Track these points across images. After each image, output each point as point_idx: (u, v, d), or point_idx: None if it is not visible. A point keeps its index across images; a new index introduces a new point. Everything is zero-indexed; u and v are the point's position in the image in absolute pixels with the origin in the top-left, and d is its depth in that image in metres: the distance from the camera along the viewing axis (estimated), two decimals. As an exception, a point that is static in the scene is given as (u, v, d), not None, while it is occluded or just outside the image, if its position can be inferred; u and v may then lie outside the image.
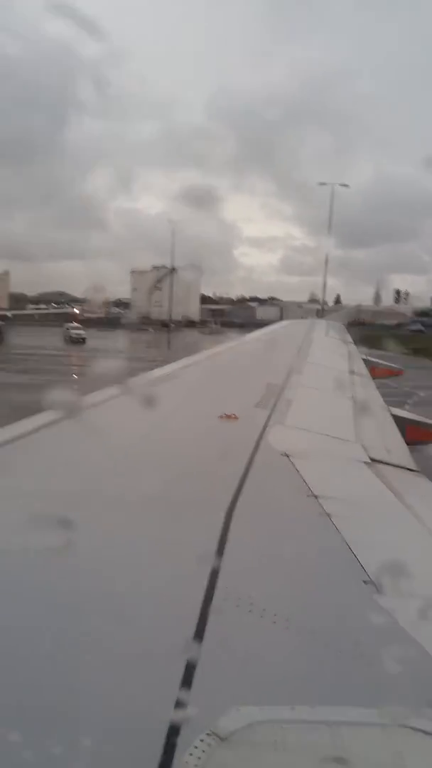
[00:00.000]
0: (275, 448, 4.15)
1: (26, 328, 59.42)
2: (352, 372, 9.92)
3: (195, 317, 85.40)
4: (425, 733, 1.49)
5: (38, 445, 3.91)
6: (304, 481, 3.44)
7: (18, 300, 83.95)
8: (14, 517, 2.54)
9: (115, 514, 2.80)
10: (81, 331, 50.98)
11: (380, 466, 4.37)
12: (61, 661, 1.70)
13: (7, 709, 1.48)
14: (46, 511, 2.56)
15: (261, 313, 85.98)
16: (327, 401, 6.99)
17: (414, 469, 4.74)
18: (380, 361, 13.84)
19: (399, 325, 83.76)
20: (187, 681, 1.59)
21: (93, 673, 1.65)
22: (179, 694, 1.53)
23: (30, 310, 76.89)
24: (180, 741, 1.38)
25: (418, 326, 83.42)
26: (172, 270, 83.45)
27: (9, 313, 63.32)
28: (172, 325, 71.25)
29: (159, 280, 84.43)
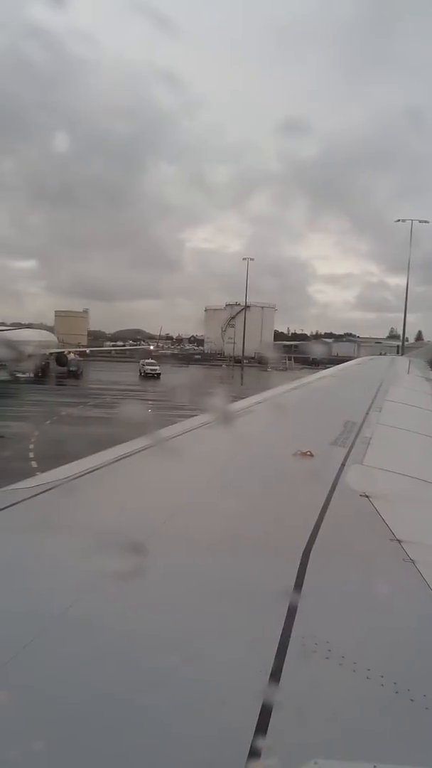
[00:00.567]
0: (354, 488, 3.99)
1: (103, 364, 62.21)
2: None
3: (268, 353, 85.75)
4: None
5: (111, 478, 4.00)
6: (386, 524, 3.27)
7: (97, 337, 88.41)
8: (86, 550, 2.58)
9: (189, 550, 2.78)
10: (156, 367, 52.54)
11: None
12: (134, 703, 1.67)
13: (86, 751, 1.47)
14: (119, 545, 2.58)
15: (336, 349, 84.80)
16: (409, 441, 6.67)
17: None
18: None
19: None
20: (262, 729, 1.52)
21: (167, 716, 1.60)
22: (254, 743, 1.46)
23: (107, 346, 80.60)
24: None
25: None
26: (246, 307, 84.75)
27: (87, 350, 66.66)
28: (245, 361, 71.89)
29: (232, 317, 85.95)
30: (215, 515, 3.39)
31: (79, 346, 67.29)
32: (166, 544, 2.74)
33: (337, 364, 20.41)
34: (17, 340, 48.63)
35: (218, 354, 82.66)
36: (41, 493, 3.44)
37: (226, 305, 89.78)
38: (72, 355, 54.32)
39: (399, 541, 3.01)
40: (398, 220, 60.61)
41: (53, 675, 1.77)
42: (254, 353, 79.84)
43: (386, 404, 8.68)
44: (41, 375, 48.87)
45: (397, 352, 40.46)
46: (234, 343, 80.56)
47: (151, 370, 51.38)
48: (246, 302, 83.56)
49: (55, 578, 2.41)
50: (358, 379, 14.01)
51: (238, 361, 74.42)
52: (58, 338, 64.60)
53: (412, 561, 2.76)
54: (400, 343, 57.57)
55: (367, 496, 3.76)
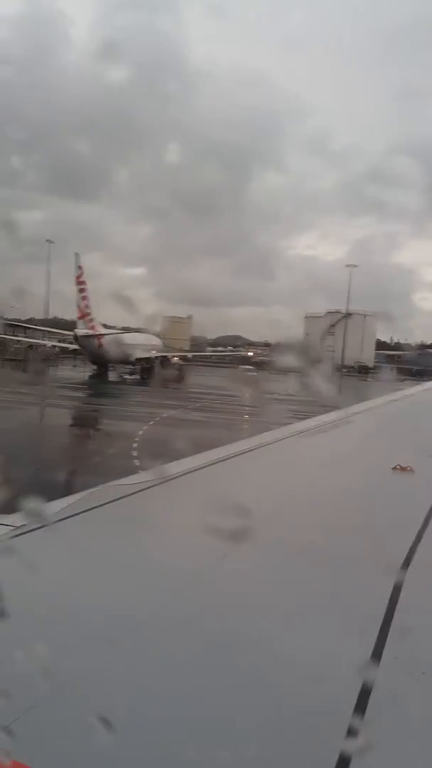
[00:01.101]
0: None
1: (203, 369, 63.52)
2: None
3: (369, 363, 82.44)
4: None
5: (210, 479, 4.11)
6: None
7: (198, 342, 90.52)
8: (186, 546, 2.68)
9: (277, 563, 2.79)
10: (253, 373, 52.77)
11: None
12: (244, 677, 1.74)
13: (190, 736, 1.53)
14: (218, 543, 2.64)
15: (444, 360, 79.52)
16: None
17: None
18: None
19: None
20: (349, 747, 1.50)
21: (252, 725, 1.61)
22: (341, 762, 1.43)
23: (208, 351, 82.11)
24: None
25: None
26: (347, 315, 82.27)
27: (189, 354, 68.45)
28: (345, 370, 69.75)
29: (332, 325, 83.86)
30: (308, 527, 3.37)
31: (182, 350, 69.35)
32: (256, 554, 2.75)
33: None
34: (127, 344, 51.23)
35: (317, 362, 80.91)
36: (142, 490, 3.64)
37: (327, 312, 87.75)
38: (175, 359, 56.19)
39: None
40: None
41: (160, 661, 1.87)
42: (354, 362, 77.21)
43: None
44: (146, 377, 50.98)
45: None
46: (333, 351, 78.52)
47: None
48: (347, 309, 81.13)
49: (157, 571, 2.53)
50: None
51: (337, 369, 72.33)
52: (163, 342, 67.06)
53: None
54: None
55: None
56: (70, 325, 56.04)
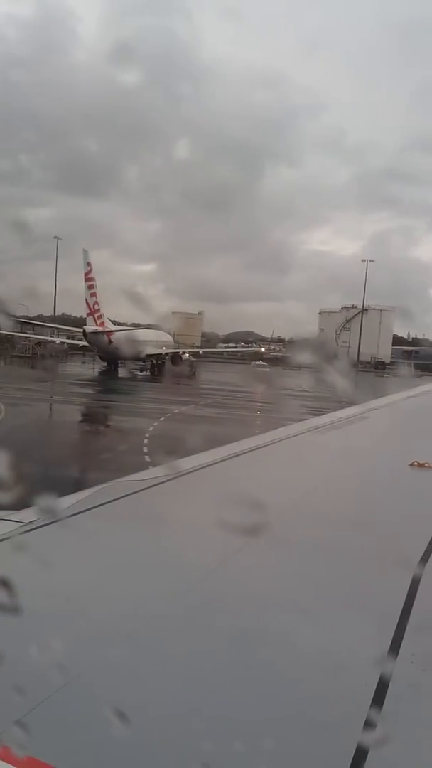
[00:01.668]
0: None
1: (215, 365, 63.56)
2: None
3: (386, 358, 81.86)
4: None
5: (224, 475, 4.07)
6: None
7: (210, 338, 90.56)
8: (197, 540, 2.65)
9: (291, 558, 2.75)
10: (266, 369, 52.62)
11: None
12: (260, 667, 1.73)
13: (198, 725, 1.51)
14: (226, 548, 2.61)
15: (462, 355, 78.69)
16: None
17: None
18: None
19: None
20: (364, 748, 1.45)
21: (267, 722, 1.58)
22: (357, 763, 1.40)
23: (220, 347, 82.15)
24: None
25: None
26: (363, 310, 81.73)
27: (200, 350, 68.48)
28: (361, 366, 69.41)
29: (348, 320, 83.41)
30: (326, 522, 3.32)
31: (193, 346, 69.46)
32: (275, 547, 2.73)
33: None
34: (137, 340, 51.41)
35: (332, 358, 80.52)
36: (153, 485, 3.61)
37: (342, 308, 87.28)
38: (186, 356, 56.25)
39: None
40: None
41: (174, 655, 1.85)
42: (370, 358, 76.73)
43: None
44: (157, 373, 51.16)
45: None
46: (349, 346, 78.08)
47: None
48: (363, 305, 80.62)
49: (169, 567, 2.50)
50: None
51: (352, 365, 71.94)
52: (173, 338, 67.19)
53: None
54: None
55: None
56: (79, 322, 56.24)
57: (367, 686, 1.68)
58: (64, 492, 3.35)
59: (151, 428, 23.37)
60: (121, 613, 2.10)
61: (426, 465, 4.49)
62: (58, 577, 2.22)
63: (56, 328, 64.06)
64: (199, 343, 78.76)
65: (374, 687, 1.68)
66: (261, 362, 54.82)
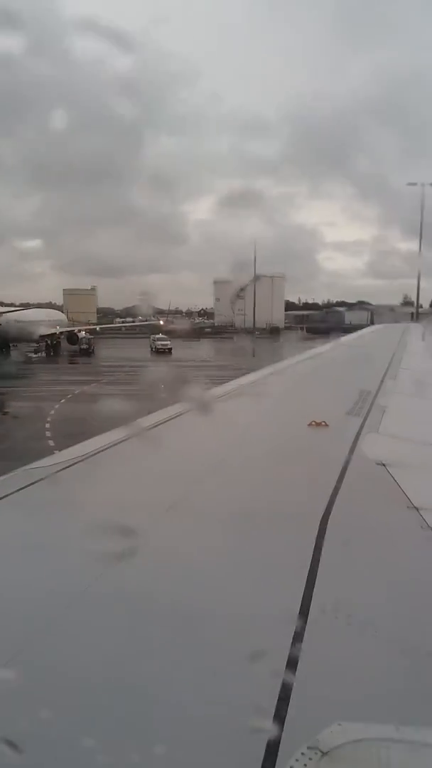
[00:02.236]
0: (370, 456, 3.99)
1: (114, 341, 62.17)
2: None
3: (280, 324, 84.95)
4: None
5: (131, 453, 4.03)
6: (403, 492, 3.27)
7: (106, 314, 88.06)
8: (104, 526, 2.62)
9: (206, 522, 2.82)
10: (167, 342, 52.40)
11: None
12: (160, 670, 1.72)
13: (107, 719, 1.52)
14: (139, 519, 2.63)
15: (350, 317, 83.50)
16: (425, 408, 6.62)
17: None
18: None
19: None
20: (286, 694, 1.55)
21: (192, 684, 1.65)
22: (279, 707, 1.50)
23: (117, 323, 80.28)
24: (281, 753, 1.35)
25: None
26: (255, 278, 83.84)
27: (97, 327, 66.50)
28: (257, 333, 71.42)
29: (241, 289, 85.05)
30: (232, 486, 3.41)
31: (88, 323, 67.22)
32: (185, 513, 2.78)
33: (351, 332, 20.19)
34: (27, 321, 48.67)
35: (229, 326, 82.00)
36: (60, 471, 3.49)
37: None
38: (82, 333, 54.34)
39: (416, 509, 3.01)
40: (410, 184, 58.68)
41: (74, 647, 1.82)
42: (265, 324, 79.18)
43: (401, 372, 8.61)
44: (53, 354, 49.06)
45: (412, 319, 39.87)
46: (244, 314, 79.90)
47: (162, 345, 51.27)
48: (255, 273, 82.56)
49: (73, 556, 2.45)
50: (372, 347, 13.89)
51: (249, 332, 73.84)
52: (67, 317, 64.54)
53: (431, 528, 2.77)
54: (414, 310, 56.56)
55: (383, 465, 3.76)
56: None
57: (286, 633, 1.79)
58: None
59: (52, 411, 22.51)
60: (35, 603, 2.05)
61: (322, 424, 4.77)
62: None
63: None
64: (95, 320, 76.41)
65: (292, 633, 1.79)
66: (161, 335, 54.46)
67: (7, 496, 3.10)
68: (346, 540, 2.62)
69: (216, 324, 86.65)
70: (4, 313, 47.85)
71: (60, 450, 4.29)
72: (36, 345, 49.70)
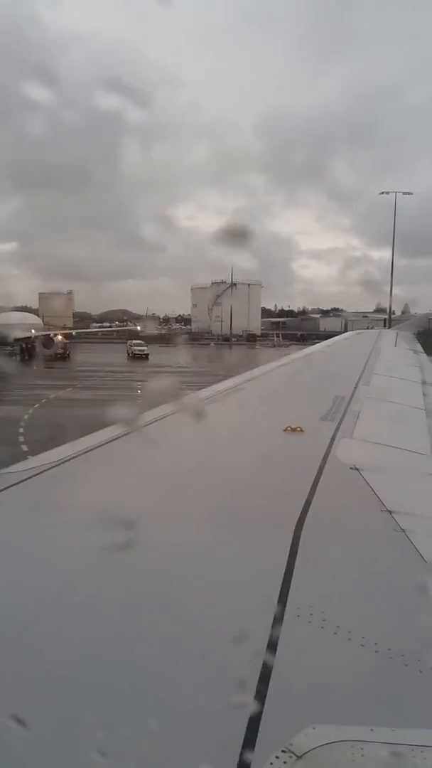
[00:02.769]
0: (344, 461, 4.04)
1: (90, 346, 61.62)
2: (423, 382, 9.53)
3: (256, 331, 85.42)
4: None
5: (104, 460, 4.00)
6: (377, 496, 3.32)
7: (82, 318, 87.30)
8: (83, 531, 2.60)
9: (184, 526, 2.81)
10: (143, 347, 52.19)
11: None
12: (134, 675, 1.70)
13: (85, 726, 1.49)
14: (115, 524, 2.60)
15: (324, 324, 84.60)
16: (398, 413, 6.74)
17: None
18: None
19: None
20: (260, 697, 1.56)
21: (166, 688, 1.64)
22: (253, 710, 1.50)
23: (94, 328, 79.62)
24: (255, 757, 1.35)
25: None
26: (232, 285, 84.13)
27: (73, 332, 65.83)
28: (234, 339, 71.67)
29: (218, 295, 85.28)
30: (208, 492, 3.41)
31: (64, 328, 66.46)
32: (161, 521, 2.77)
33: (325, 339, 20.42)
34: (1, 324, 47.85)
35: (206, 333, 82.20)
36: (34, 476, 3.44)
37: (212, 283, 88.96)
38: (58, 338, 53.70)
39: (390, 512, 3.06)
40: (382, 193, 59.79)
41: (53, 654, 1.80)
42: (242, 331, 79.50)
43: (374, 378, 8.74)
44: (27, 358, 48.36)
45: (384, 326, 40.54)
46: (221, 321, 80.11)
47: (139, 350, 51.02)
48: (232, 280, 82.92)
49: (52, 560, 2.42)
50: (346, 353, 14.07)
51: (226, 339, 74.06)
52: (43, 321, 63.74)
53: (403, 531, 2.82)
54: (387, 317, 57.55)
55: (357, 469, 3.81)
56: None
57: (261, 637, 1.81)
58: None
59: (26, 416, 22.20)
60: (11, 607, 2.02)
61: (298, 429, 4.81)
62: None
63: None
64: (71, 324, 75.62)
65: (267, 637, 1.81)
66: (138, 341, 54.18)
67: None
68: (320, 543, 2.64)
69: (194, 330, 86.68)
70: None
71: (33, 455, 4.22)
72: (10, 349, 48.92)
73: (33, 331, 53.33)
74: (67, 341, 54.35)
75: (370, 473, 3.72)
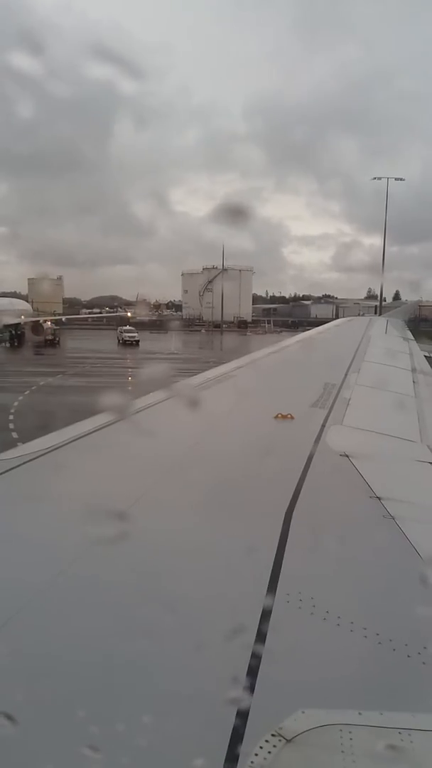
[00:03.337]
0: (334, 448, 4.06)
1: (80, 332, 61.12)
2: (413, 369, 9.59)
3: (247, 317, 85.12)
4: None
5: (96, 446, 3.99)
6: (366, 483, 3.34)
7: (72, 304, 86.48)
8: (73, 517, 2.60)
9: (172, 514, 2.82)
10: (134, 334, 51.81)
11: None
12: (126, 662, 1.72)
13: (78, 715, 1.50)
14: (105, 512, 2.60)
15: (315, 311, 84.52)
16: (388, 400, 6.78)
17: None
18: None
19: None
20: (251, 682, 1.57)
21: (159, 673, 1.65)
22: (243, 695, 1.52)
23: (84, 314, 78.90)
24: (245, 741, 1.37)
25: None
26: (223, 270, 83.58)
27: (63, 318, 65.21)
28: (225, 326, 71.46)
29: (209, 281, 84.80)
30: (198, 480, 3.42)
31: (54, 314, 65.86)
32: (151, 508, 2.77)
33: (316, 326, 20.43)
34: None
35: (197, 319, 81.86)
36: (23, 463, 3.43)
37: (203, 269, 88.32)
38: (48, 324, 53.21)
39: (379, 498, 3.08)
40: (374, 178, 59.42)
41: (44, 642, 1.80)
42: (233, 317, 79.23)
43: (364, 365, 8.77)
44: (17, 344, 47.92)
45: (375, 313, 40.60)
46: (212, 307, 79.74)
47: (130, 337, 50.69)
48: (223, 263, 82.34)
49: (42, 548, 2.42)
50: (337, 340, 14.09)
51: (217, 325, 73.79)
52: (32, 306, 63.10)
53: (392, 517, 2.84)
54: (377, 304, 57.60)
55: (347, 456, 3.83)
56: None
57: (251, 622, 1.82)
58: None
59: (16, 403, 22.06)
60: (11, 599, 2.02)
61: (289, 416, 4.83)
62: None
63: None
64: (60, 310, 74.92)
65: (257, 622, 1.82)
66: (129, 327, 53.80)
67: None
68: (311, 529, 2.66)
69: (184, 316, 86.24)
70: None
71: (23, 443, 4.20)
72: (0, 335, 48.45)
73: (22, 317, 52.79)
74: (57, 327, 53.85)
75: (359, 460, 3.75)
